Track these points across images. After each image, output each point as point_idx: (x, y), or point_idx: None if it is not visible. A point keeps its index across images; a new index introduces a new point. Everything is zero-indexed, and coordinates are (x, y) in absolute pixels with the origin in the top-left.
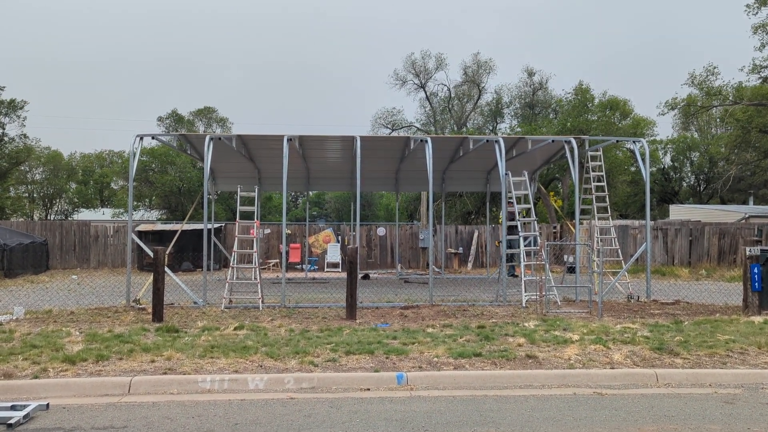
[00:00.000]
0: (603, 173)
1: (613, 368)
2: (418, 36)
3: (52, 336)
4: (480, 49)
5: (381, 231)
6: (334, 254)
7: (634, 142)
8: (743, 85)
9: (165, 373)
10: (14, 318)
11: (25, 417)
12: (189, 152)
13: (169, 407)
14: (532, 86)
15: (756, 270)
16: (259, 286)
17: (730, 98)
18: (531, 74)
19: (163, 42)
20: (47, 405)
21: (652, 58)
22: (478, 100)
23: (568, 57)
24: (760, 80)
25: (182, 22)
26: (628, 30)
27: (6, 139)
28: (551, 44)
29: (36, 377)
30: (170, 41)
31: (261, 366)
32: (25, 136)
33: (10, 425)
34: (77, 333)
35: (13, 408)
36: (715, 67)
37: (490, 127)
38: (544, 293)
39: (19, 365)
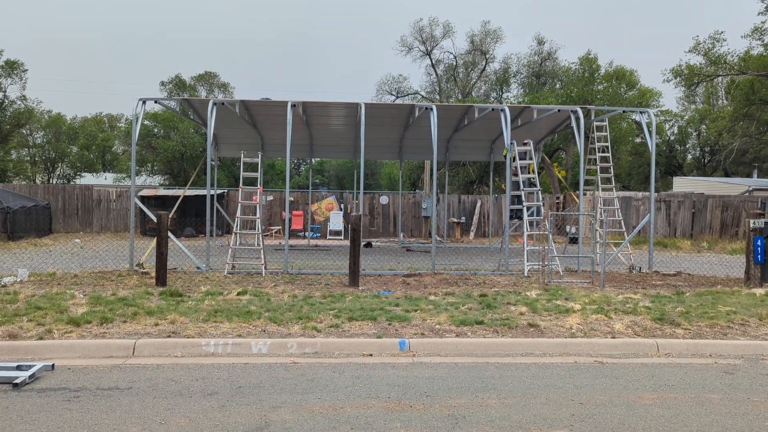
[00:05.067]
0: (608, 144)
1: (614, 338)
2: (426, 2)
3: (56, 298)
4: (490, 17)
5: (384, 199)
6: (336, 222)
7: (641, 112)
8: (750, 54)
9: (169, 337)
10: (18, 280)
11: (30, 377)
12: (192, 117)
13: (173, 370)
14: (540, 55)
15: (759, 242)
16: (262, 252)
17: (736, 68)
18: (541, 42)
19: (162, 6)
20: (52, 366)
21: (660, 24)
22: (484, 68)
23: (575, 25)
24: (762, 46)
25: None
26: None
27: (7, 101)
28: (561, 13)
29: (41, 338)
30: (170, 5)
31: (264, 331)
32: (24, 98)
33: (16, 385)
34: (81, 296)
35: (18, 368)
36: (720, 33)
37: (495, 96)
38: (546, 263)
39: (24, 326)
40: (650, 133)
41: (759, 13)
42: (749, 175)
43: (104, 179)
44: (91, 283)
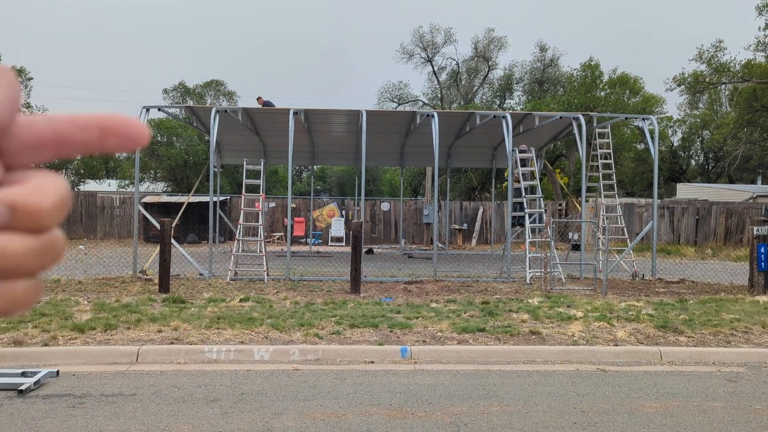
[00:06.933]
0: (610, 151)
1: (616, 345)
2: (428, 9)
3: (61, 305)
4: (494, 24)
5: (385, 206)
6: (338, 229)
7: (643, 119)
8: (752, 62)
9: (172, 343)
10: None
11: (35, 383)
12: (195, 125)
13: (176, 376)
14: (543, 62)
15: (763, 250)
16: (264, 259)
17: (739, 75)
18: (543, 50)
19: (169, 11)
20: (57, 372)
21: (663, 30)
22: (486, 75)
23: (579, 33)
24: (766, 58)
25: None
26: (637, 7)
27: None
28: (564, 20)
29: (46, 345)
30: (177, 10)
31: (266, 337)
32: (29, 105)
33: (21, 391)
34: (85, 302)
35: (23, 374)
36: (721, 42)
37: (498, 103)
38: (548, 270)
39: (29, 333)
40: (653, 139)
41: (760, 29)
42: (753, 182)
43: (108, 186)
44: (95, 289)
